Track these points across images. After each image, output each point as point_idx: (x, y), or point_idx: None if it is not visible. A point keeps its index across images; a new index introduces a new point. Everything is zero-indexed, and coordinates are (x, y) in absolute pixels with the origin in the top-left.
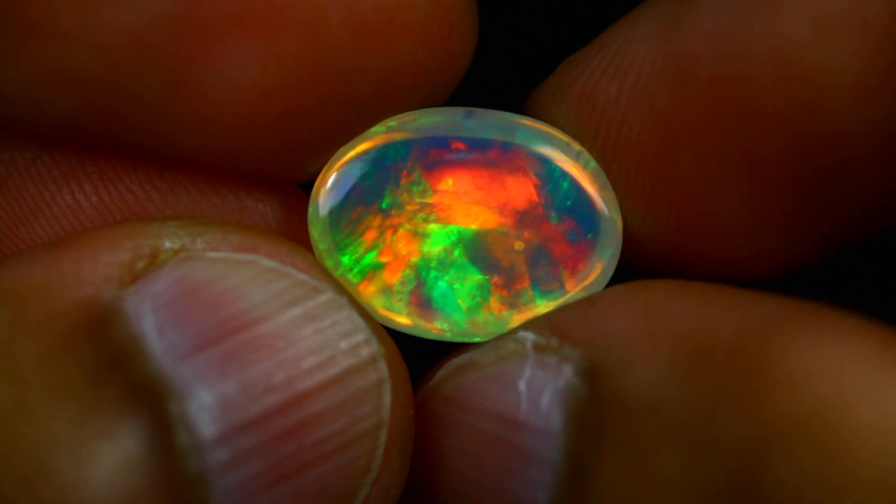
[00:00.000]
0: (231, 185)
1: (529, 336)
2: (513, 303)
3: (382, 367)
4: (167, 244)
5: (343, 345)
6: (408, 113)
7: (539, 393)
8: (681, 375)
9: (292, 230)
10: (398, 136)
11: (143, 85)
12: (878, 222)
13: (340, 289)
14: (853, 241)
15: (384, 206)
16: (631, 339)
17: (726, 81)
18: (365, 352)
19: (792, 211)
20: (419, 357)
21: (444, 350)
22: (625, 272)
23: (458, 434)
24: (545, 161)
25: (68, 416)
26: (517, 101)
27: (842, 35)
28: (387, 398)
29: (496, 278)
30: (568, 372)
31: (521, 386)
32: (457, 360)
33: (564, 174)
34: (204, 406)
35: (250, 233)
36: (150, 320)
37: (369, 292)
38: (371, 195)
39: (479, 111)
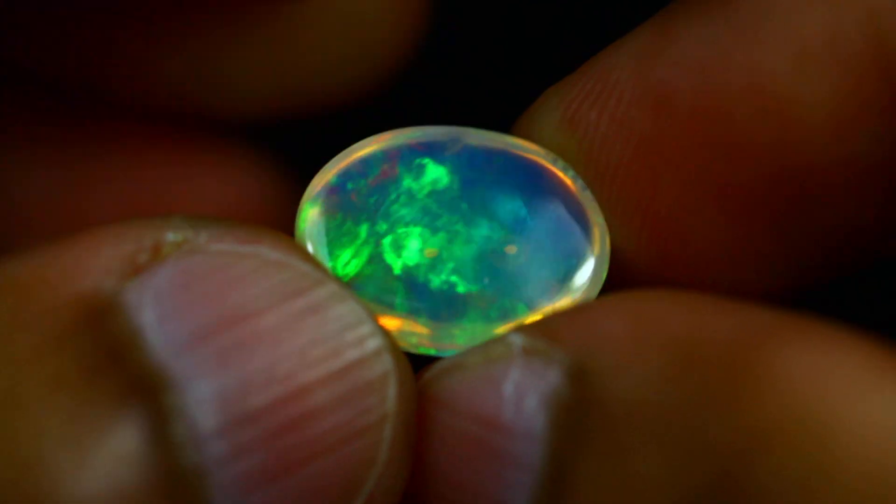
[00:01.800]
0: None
1: (518, 339)
2: (500, 312)
3: (388, 359)
4: (170, 237)
5: (348, 336)
6: (397, 129)
7: (524, 395)
8: (666, 379)
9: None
10: (388, 146)
11: None
12: (855, 256)
13: (342, 283)
14: (832, 273)
15: (374, 214)
16: (619, 343)
17: (704, 113)
18: (370, 344)
19: (770, 242)
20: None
21: None
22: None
23: (441, 436)
24: (533, 170)
25: (64, 409)
26: (502, 128)
27: (821, 71)
28: (392, 391)
29: (484, 287)
30: (554, 374)
31: (507, 388)
32: (444, 362)
33: (553, 184)
34: (203, 398)
35: (254, 227)
36: (150, 312)
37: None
38: (361, 203)
39: (468, 129)
